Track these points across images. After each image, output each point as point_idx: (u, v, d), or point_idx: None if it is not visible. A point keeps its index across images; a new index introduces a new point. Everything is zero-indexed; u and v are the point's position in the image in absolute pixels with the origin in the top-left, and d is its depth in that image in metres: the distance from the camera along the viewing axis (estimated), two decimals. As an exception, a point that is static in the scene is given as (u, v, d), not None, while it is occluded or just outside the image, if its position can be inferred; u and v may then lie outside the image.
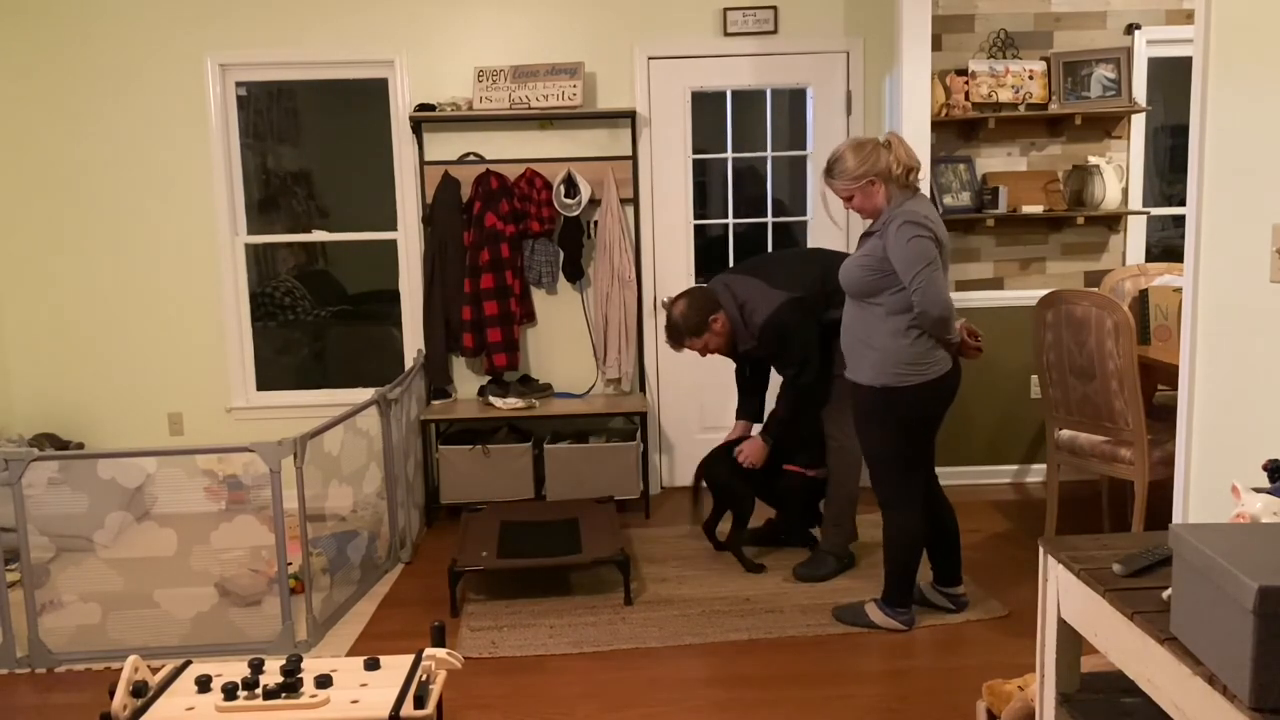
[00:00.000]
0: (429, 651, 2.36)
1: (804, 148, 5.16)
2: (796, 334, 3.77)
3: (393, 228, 5.12)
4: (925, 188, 4.60)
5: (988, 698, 2.57)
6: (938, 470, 5.02)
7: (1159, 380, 4.21)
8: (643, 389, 5.13)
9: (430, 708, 2.18)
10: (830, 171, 3.26)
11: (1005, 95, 4.92)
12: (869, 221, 3.32)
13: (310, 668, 2.36)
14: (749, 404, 4.21)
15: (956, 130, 5.01)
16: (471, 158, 5.00)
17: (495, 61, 4.95)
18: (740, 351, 3.96)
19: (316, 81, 5.08)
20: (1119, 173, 4.94)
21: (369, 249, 5.23)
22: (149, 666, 2.32)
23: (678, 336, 3.89)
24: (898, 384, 3.21)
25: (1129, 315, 3.67)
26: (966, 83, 4.91)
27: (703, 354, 3.96)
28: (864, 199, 3.22)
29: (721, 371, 5.17)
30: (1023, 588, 3.81)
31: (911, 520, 3.36)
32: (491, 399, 4.86)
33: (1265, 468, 1.77)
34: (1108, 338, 3.72)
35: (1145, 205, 5.18)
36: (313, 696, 2.20)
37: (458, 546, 3.92)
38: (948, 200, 4.94)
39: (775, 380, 4.35)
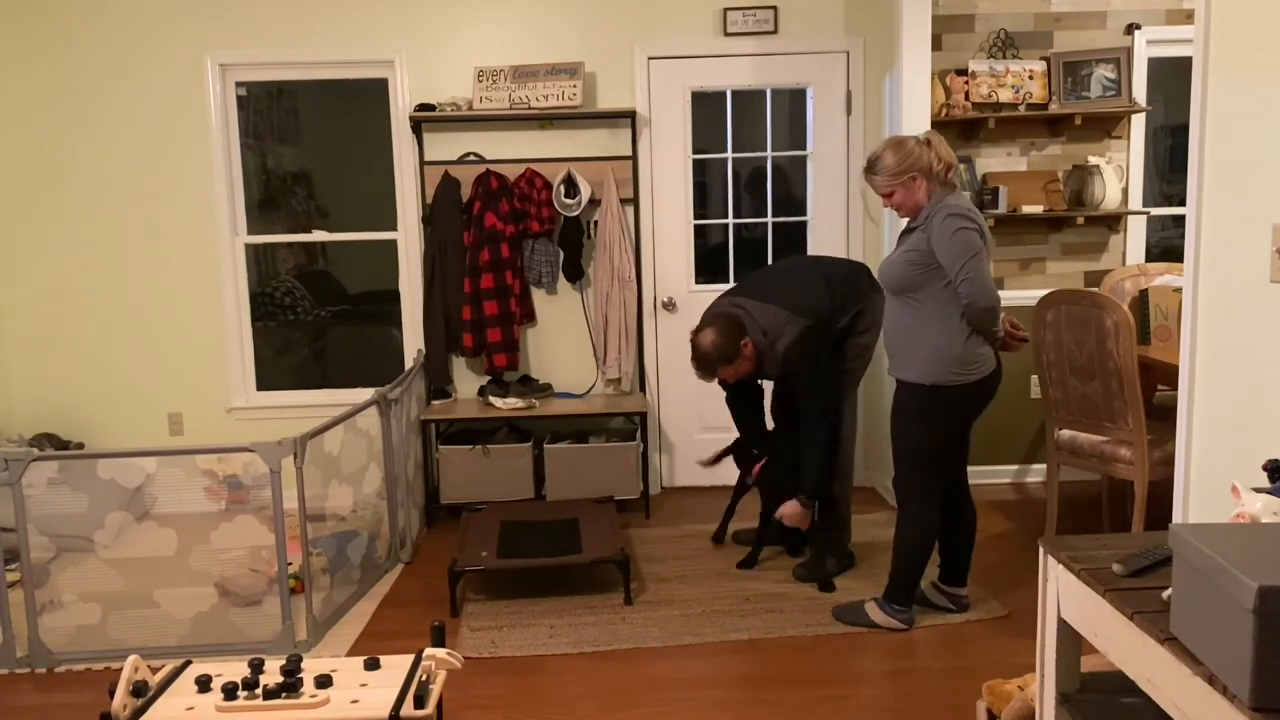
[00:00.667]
0: (429, 651, 2.36)
1: (804, 148, 5.16)
2: (816, 369, 3.73)
3: (393, 228, 5.12)
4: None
5: (988, 698, 2.57)
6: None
7: (1159, 380, 4.21)
8: (643, 389, 5.13)
9: (430, 708, 2.18)
10: (871, 169, 3.27)
11: (1005, 95, 4.92)
12: (905, 220, 3.34)
13: (310, 668, 2.36)
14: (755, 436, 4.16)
15: (956, 130, 5.01)
16: (471, 158, 5.00)
17: (495, 61, 4.96)
18: (766, 376, 3.93)
19: (316, 81, 5.08)
20: (1119, 173, 4.93)
21: (369, 249, 5.23)
22: (149, 666, 2.33)
23: (711, 367, 3.74)
24: (950, 382, 3.21)
25: (1129, 315, 3.67)
26: (966, 83, 4.91)
27: (730, 380, 3.89)
28: (905, 195, 3.24)
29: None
30: (1023, 588, 3.81)
31: (928, 520, 3.37)
32: (491, 399, 4.86)
33: (1265, 468, 1.77)
34: (1108, 338, 3.72)
35: (1145, 205, 5.18)
36: (313, 696, 2.20)
37: (458, 546, 3.92)
38: (948, 200, 4.94)
39: (768, 394, 4.36)
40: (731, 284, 4.55)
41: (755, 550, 4.12)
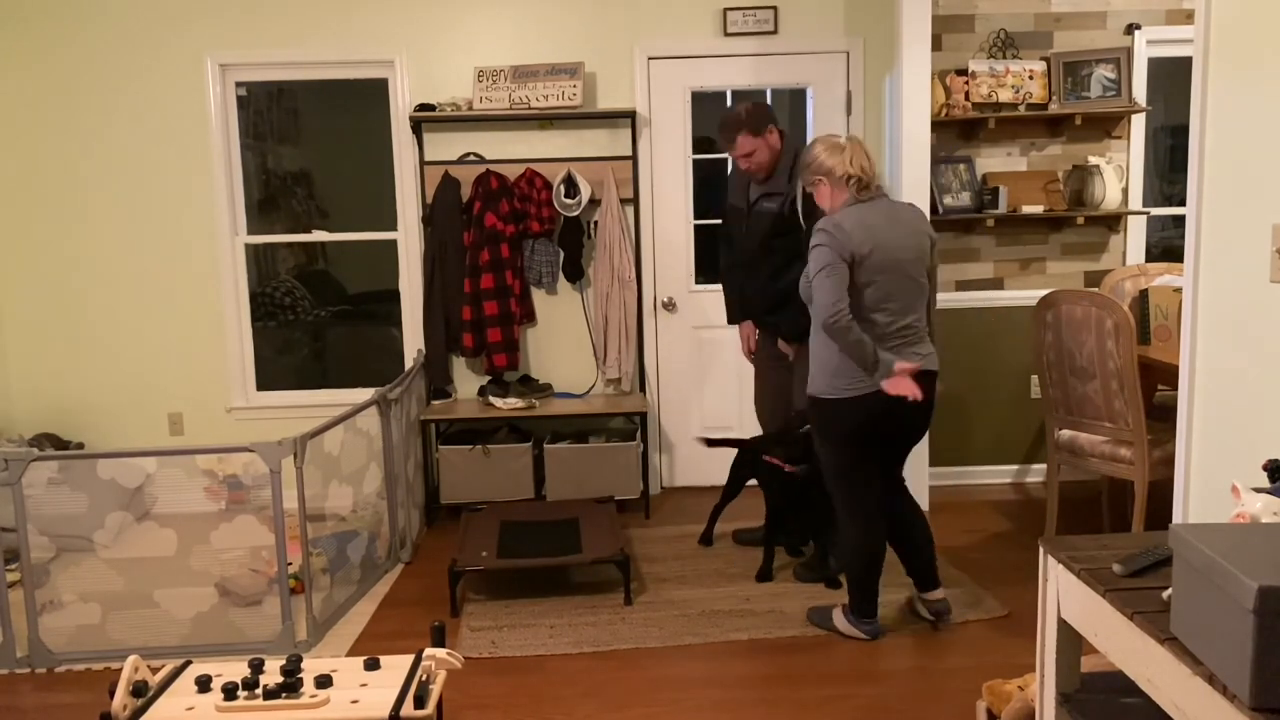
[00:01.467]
0: (429, 651, 2.36)
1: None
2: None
3: (393, 228, 5.12)
4: (925, 189, 4.58)
5: (988, 698, 2.57)
6: (938, 469, 5.07)
7: (1159, 380, 4.21)
8: (643, 389, 5.13)
9: (430, 708, 2.18)
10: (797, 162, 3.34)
11: (1005, 95, 4.92)
12: None
13: (310, 668, 2.36)
14: (743, 307, 4.16)
15: (956, 130, 5.01)
16: (471, 158, 5.00)
17: (495, 61, 4.95)
18: (764, 190, 3.82)
19: (316, 81, 5.08)
20: (1119, 173, 4.93)
21: (369, 249, 5.23)
22: (149, 666, 2.32)
23: (734, 128, 3.69)
24: (825, 395, 3.20)
25: (1128, 315, 3.67)
26: (966, 83, 4.91)
27: (744, 163, 3.77)
28: (819, 196, 3.26)
29: (721, 371, 5.17)
30: (1023, 588, 3.81)
31: (858, 532, 3.31)
32: (491, 399, 4.86)
33: (1265, 468, 1.77)
34: (1107, 338, 3.72)
35: (1145, 205, 5.18)
36: (313, 696, 2.20)
37: (458, 546, 3.92)
38: (948, 200, 4.94)
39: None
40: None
41: (767, 559, 4.00)
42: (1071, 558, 1.77)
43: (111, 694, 2.16)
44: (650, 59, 5.00)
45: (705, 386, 5.23)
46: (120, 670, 2.21)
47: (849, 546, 3.34)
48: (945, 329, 5.00)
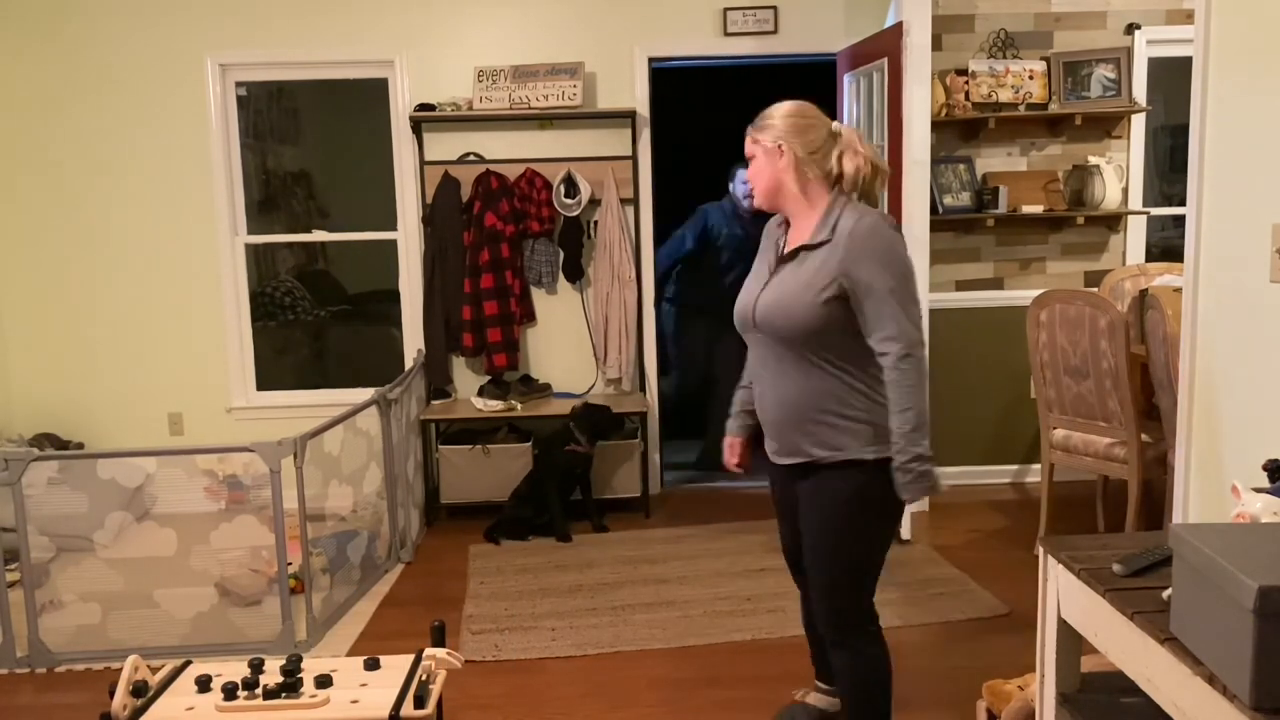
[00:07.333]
0: (429, 651, 2.35)
1: (804, 148, 5.15)
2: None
3: (393, 228, 5.12)
4: (924, 187, 4.56)
5: (988, 698, 2.57)
6: (937, 469, 5.06)
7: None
8: (643, 389, 5.13)
9: (430, 708, 2.18)
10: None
11: (1005, 95, 4.92)
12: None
13: (310, 668, 2.36)
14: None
15: (956, 130, 5.01)
16: (471, 158, 4.99)
17: (495, 61, 4.95)
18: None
19: (316, 81, 5.08)
20: (1119, 173, 4.93)
21: (369, 249, 5.23)
22: (149, 666, 2.32)
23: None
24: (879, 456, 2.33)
25: (1122, 314, 3.67)
26: (966, 83, 4.91)
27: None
28: (768, 163, 2.38)
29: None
30: (1023, 587, 3.80)
31: (882, 650, 2.46)
32: (473, 399, 4.86)
33: (1265, 468, 1.77)
34: (1101, 337, 3.72)
35: (1145, 205, 5.17)
36: (313, 696, 2.19)
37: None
38: (948, 200, 4.94)
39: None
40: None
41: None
42: (1072, 558, 1.77)
43: (111, 694, 2.16)
44: (651, 59, 4.99)
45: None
46: (120, 670, 2.21)
47: (877, 670, 2.44)
48: (945, 328, 4.98)
